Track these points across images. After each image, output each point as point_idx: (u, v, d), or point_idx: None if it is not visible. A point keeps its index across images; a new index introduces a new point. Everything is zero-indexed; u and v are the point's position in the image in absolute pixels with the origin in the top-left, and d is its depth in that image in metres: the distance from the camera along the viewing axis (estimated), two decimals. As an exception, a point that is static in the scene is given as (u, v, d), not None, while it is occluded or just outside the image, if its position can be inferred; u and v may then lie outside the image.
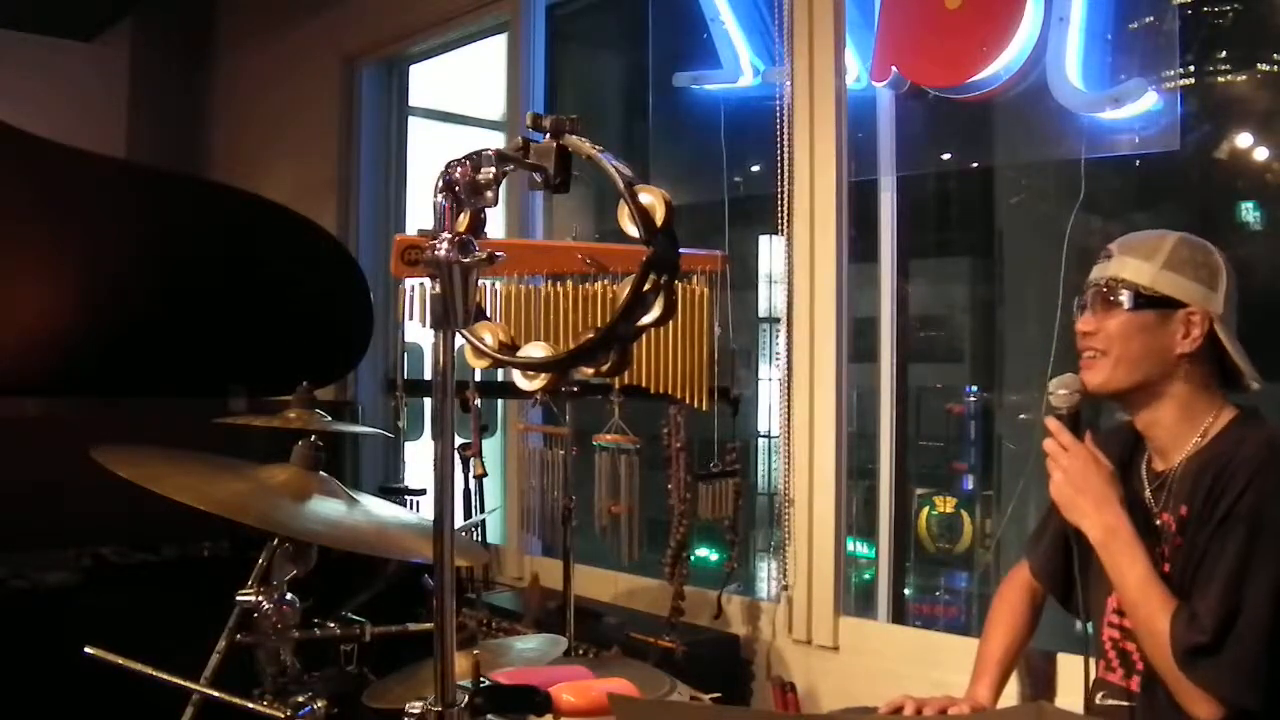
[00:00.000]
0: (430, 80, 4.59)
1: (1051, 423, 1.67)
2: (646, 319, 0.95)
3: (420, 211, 4.41)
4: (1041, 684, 2.25)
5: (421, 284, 2.39)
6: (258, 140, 5.07)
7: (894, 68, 2.65)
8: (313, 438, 1.73)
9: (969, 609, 3.03)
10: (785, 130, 2.89)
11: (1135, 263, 1.64)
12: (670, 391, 2.56)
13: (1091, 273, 1.71)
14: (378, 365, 4.30)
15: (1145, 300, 1.62)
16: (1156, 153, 2.40)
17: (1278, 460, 1.52)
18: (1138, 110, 2.35)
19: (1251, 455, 1.52)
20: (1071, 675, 2.21)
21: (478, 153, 0.99)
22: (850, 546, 2.89)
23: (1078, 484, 1.62)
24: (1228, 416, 1.63)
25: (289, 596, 1.61)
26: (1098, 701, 1.71)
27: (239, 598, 1.63)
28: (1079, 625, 2.02)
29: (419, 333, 3.22)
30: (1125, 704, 1.65)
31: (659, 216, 0.92)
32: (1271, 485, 1.49)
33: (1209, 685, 1.46)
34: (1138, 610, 1.55)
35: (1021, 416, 2.83)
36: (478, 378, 2.85)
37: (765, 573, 3.18)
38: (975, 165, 2.92)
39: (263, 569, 1.68)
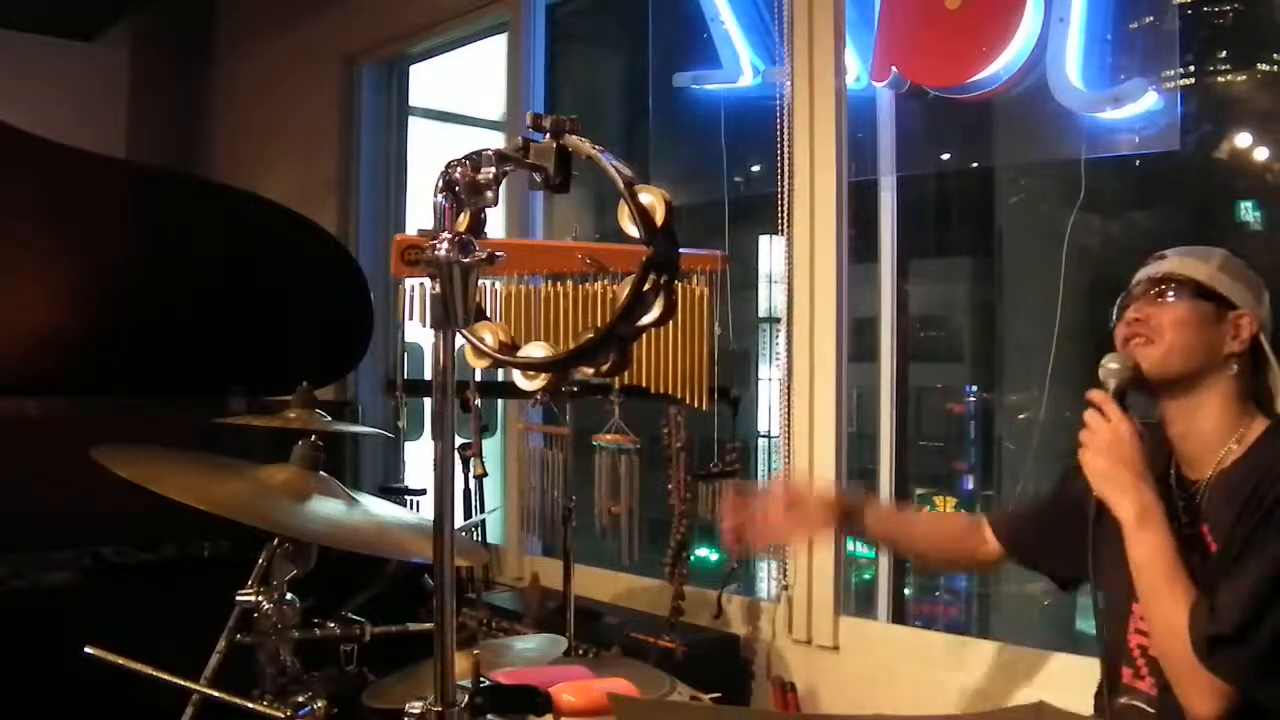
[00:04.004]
0: (430, 80, 4.59)
1: (1097, 394, 1.63)
2: (646, 319, 0.95)
3: (420, 211, 4.41)
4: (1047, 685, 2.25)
5: (421, 284, 2.39)
6: (258, 140, 5.07)
7: (894, 68, 2.65)
8: (313, 438, 1.73)
9: (969, 609, 3.03)
10: (785, 130, 2.89)
11: (1192, 262, 1.65)
12: (670, 391, 2.56)
13: (1139, 273, 1.70)
14: (378, 365, 4.30)
15: (1203, 293, 1.62)
16: (1156, 153, 2.40)
17: None
18: (1138, 110, 2.35)
19: None
20: (1077, 677, 2.21)
21: (478, 153, 0.99)
22: (850, 546, 2.89)
23: (1120, 455, 1.58)
24: (1260, 427, 1.61)
25: (289, 596, 1.61)
26: (1121, 702, 1.70)
27: (239, 598, 1.63)
28: (1078, 626, 2.02)
29: (419, 333, 3.22)
30: (1150, 711, 1.64)
31: (659, 216, 0.92)
32: None
33: (1226, 672, 1.44)
34: (1158, 596, 1.53)
35: (1021, 416, 2.83)
36: (478, 378, 2.85)
37: (765, 573, 3.18)
38: (975, 165, 2.92)
39: (263, 569, 1.68)
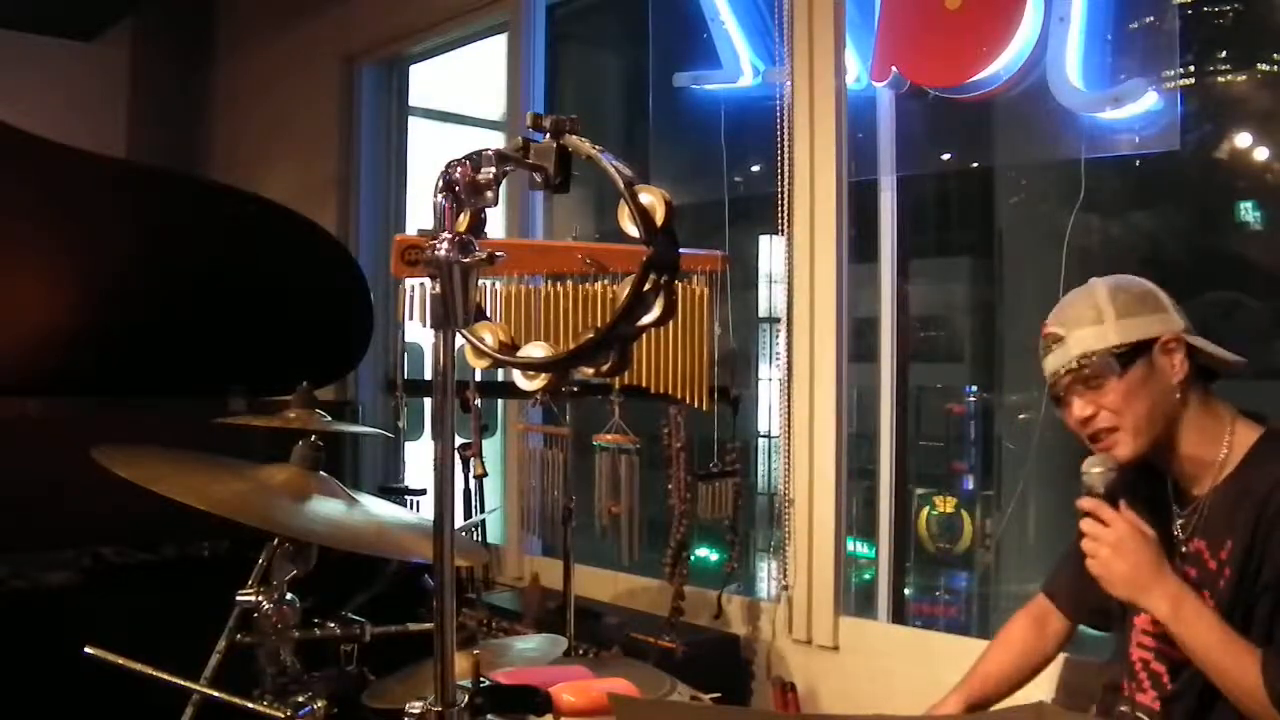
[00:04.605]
0: (430, 80, 4.59)
1: (1087, 502, 1.60)
2: (646, 319, 0.95)
3: (420, 211, 4.41)
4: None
5: (421, 284, 2.39)
6: (258, 140, 5.07)
7: (894, 68, 2.65)
8: (313, 438, 1.73)
9: (969, 609, 3.03)
10: (785, 130, 2.89)
11: (1089, 330, 1.61)
12: (670, 391, 2.56)
13: (1048, 366, 1.67)
14: (378, 365, 4.30)
15: (1126, 356, 1.59)
16: (1156, 153, 2.40)
17: None
18: (1138, 110, 2.35)
19: None
20: (1077, 677, 2.21)
21: (478, 153, 0.99)
22: (850, 546, 2.89)
23: (1131, 557, 1.55)
24: (1249, 434, 1.60)
25: (289, 596, 1.61)
26: (1121, 710, 1.69)
27: (239, 598, 1.63)
28: (1081, 629, 2.01)
29: (419, 333, 3.22)
30: None
31: (659, 216, 0.92)
32: None
33: None
34: (1224, 671, 1.49)
35: (1021, 416, 2.83)
36: (478, 378, 2.85)
37: (765, 573, 3.18)
38: (975, 165, 2.92)
39: (263, 569, 1.68)
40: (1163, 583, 1.53)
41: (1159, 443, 1.62)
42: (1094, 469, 1.61)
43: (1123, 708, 1.69)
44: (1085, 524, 1.60)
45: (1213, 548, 1.56)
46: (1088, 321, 1.62)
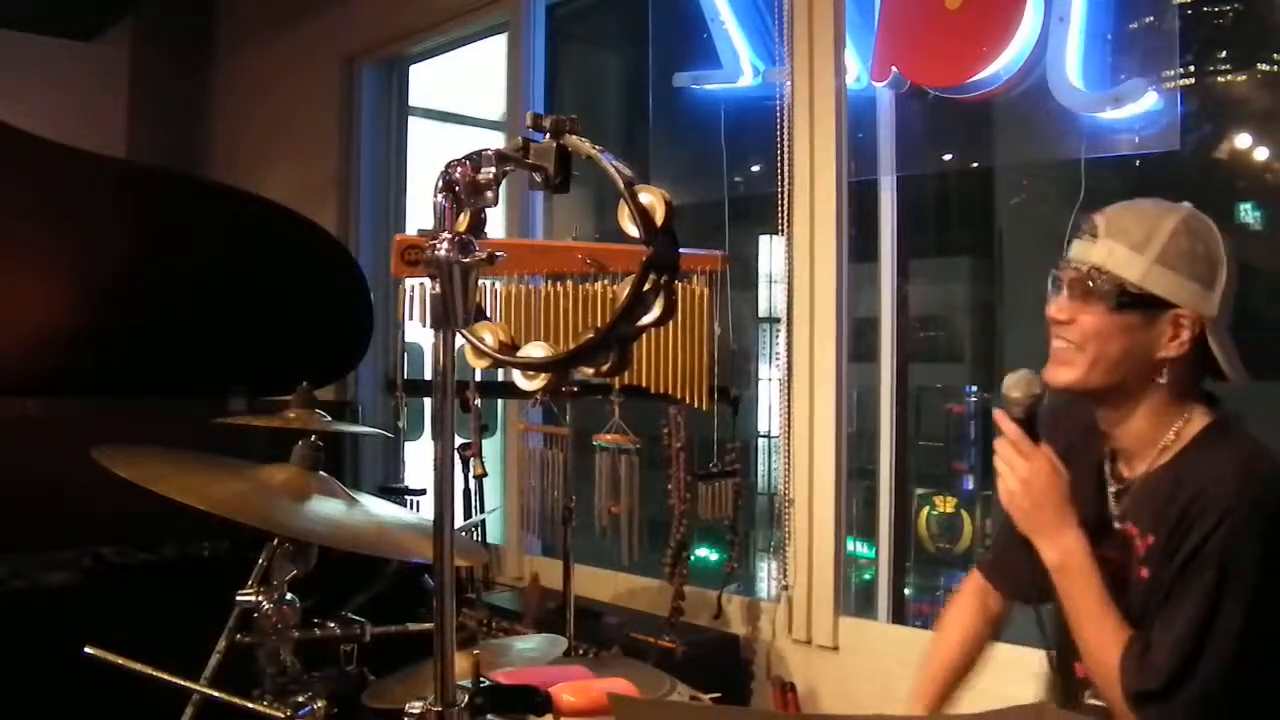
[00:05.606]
0: (430, 80, 4.59)
1: (1006, 424, 1.51)
2: (646, 319, 0.95)
3: (420, 211, 4.42)
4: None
5: (421, 284, 2.39)
6: (258, 140, 5.07)
7: (894, 68, 2.65)
8: (313, 438, 1.73)
9: (969, 609, 3.03)
10: (785, 130, 2.89)
11: (1124, 252, 1.42)
12: (670, 391, 2.56)
13: (1072, 248, 1.48)
14: (378, 365, 4.30)
15: (1131, 300, 1.42)
16: (1156, 153, 2.40)
17: (1251, 491, 1.37)
18: (1138, 110, 2.35)
19: (1222, 489, 1.37)
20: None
21: (478, 153, 0.99)
22: (850, 546, 2.90)
23: (1036, 498, 1.49)
24: (1200, 423, 1.48)
25: (289, 596, 1.61)
26: (1085, 700, 1.68)
27: (239, 598, 1.63)
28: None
29: (419, 333, 3.22)
30: (1105, 705, 1.62)
31: (659, 216, 0.92)
32: (1242, 525, 1.35)
33: None
34: (1088, 639, 1.45)
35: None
36: (478, 378, 2.85)
37: (765, 573, 3.18)
38: (975, 165, 2.93)
39: (263, 569, 1.68)
40: (1059, 531, 1.47)
41: (1113, 402, 1.50)
42: (1014, 392, 1.51)
43: (1087, 695, 1.65)
44: (999, 444, 1.52)
45: (1141, 530, 1.49)
46: (1129, 241, 1.42)
